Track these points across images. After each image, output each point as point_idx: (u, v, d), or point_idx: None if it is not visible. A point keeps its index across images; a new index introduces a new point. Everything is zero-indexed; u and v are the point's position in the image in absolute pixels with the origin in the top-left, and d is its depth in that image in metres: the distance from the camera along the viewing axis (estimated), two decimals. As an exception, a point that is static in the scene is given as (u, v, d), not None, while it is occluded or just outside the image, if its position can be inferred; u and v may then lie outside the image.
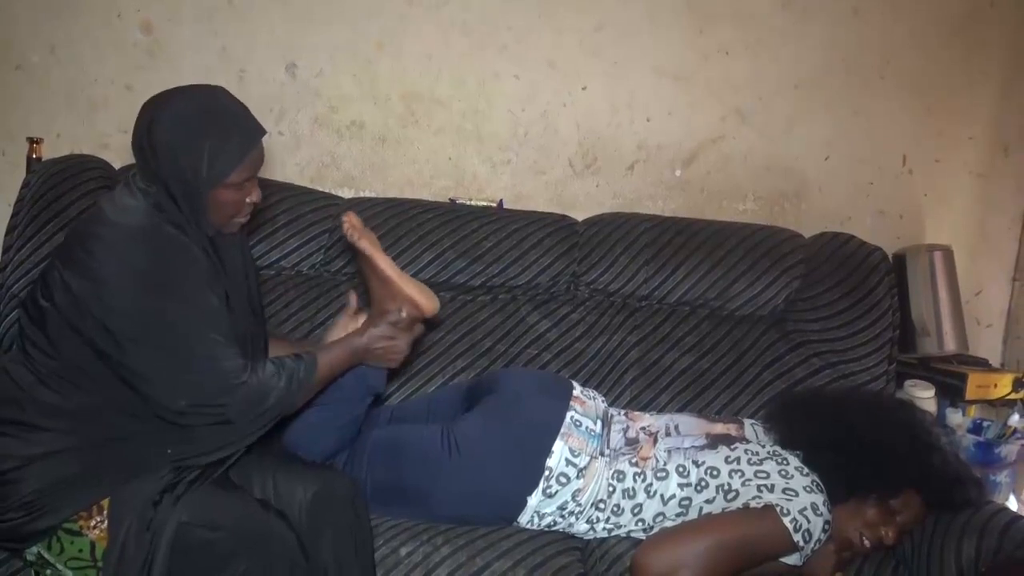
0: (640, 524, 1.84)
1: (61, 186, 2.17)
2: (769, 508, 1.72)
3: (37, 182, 2.20)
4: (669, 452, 1.88)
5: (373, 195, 2.57)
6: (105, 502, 1.57)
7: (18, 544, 1.59)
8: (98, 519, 1.57)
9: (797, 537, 1.69)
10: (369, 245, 1.86)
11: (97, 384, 1.56)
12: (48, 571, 1.60)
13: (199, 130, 1.57)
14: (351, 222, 1.86)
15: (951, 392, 2.53)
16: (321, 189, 2.51)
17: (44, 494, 1.55)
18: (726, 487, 1.79)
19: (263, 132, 1.66)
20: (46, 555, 1.58)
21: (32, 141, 2.41)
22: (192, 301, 1.57)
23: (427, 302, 1.87)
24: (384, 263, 1.85)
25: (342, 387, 1.83)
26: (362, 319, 1.88)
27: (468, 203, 2.55)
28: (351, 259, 2.26)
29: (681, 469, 1.83)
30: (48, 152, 2.41)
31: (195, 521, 1.56)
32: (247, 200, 1.67)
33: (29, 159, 2.40)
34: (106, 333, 1.52)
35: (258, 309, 1.86)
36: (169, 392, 1.55)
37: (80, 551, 1.57)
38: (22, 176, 2.30)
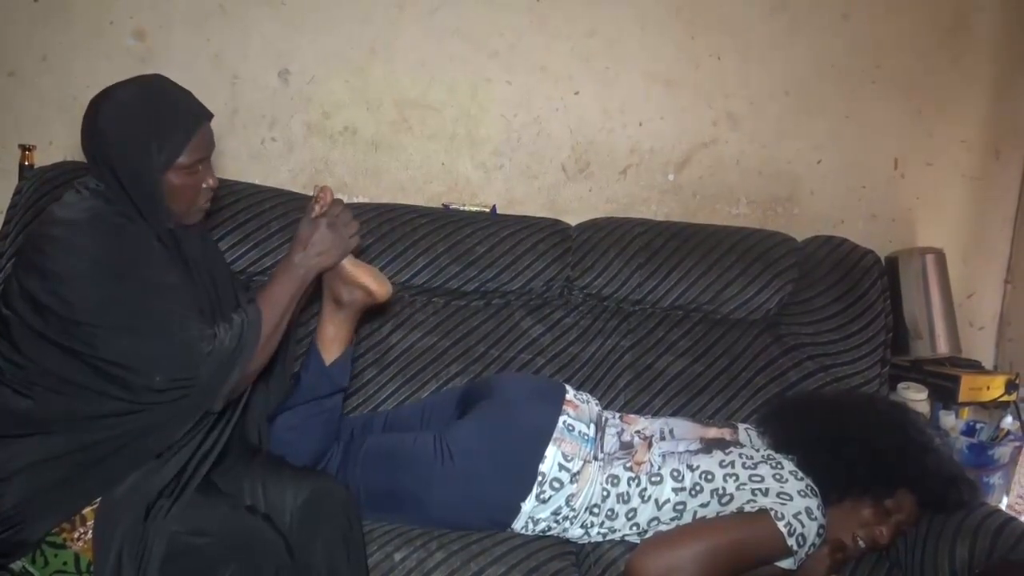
0: (635, 528, 1.84)
1: (54, 193, 2.15)
2: (763, 512, 1.72)
3: (30, 189, 2.19)
4: (664, 456, 1.88)
5: (366, 201, 2.57)
6: (88, 512, 1.56)
7: (1, 559, 1.57)
8: (81, 531, 1.56)
9: (791, 541, 1.69)
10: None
11: (67, 387, 1.55)
12: (34, 585, 1.59)
13: (143, 117, 1.59)
14: (326, 199, 1.79)
15: (944, 394, 2.54)
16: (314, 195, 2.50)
17: (25, 507, 1.53)
18: (720, 491, 1.80)
19: (209, 114, 1.67)
20: (31, 569, 1.56)
21: (24, 148, 2.40)
22: (148, 279, 1.57)
23: (378, 287, 1.85)
24: None
25: (306, 388, 1.85)
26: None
27: (461, 208, 2.55)
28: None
29: (675, 473, 1.83)
30: (41, 159, 2.40)
31: (183, 528, 1.55)
32: (203, 185, 1.67)
33: (22, 166, 2.39)
34: (72, 328, 1.52)
35: (230, 301, 1.82)
36: (144, 371, 1.54)
37: (65, 564, 1.56)
38: (14, 183, 2.29)
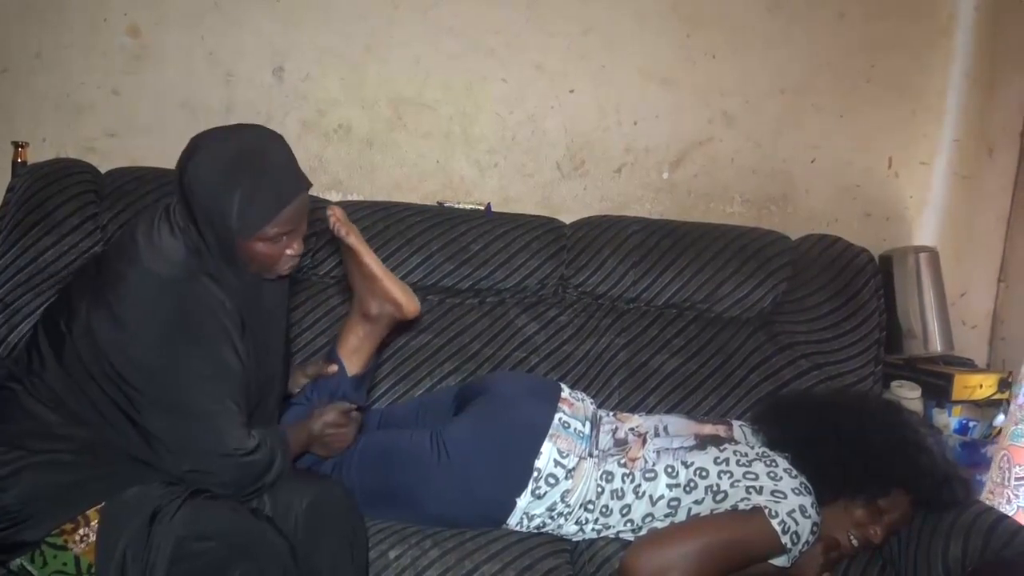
0: (629, 525, 1.84)
1: (47, 190, 2.17)
2: (757, 510, 1.72)
3: (22, 186, 2.19)
4: (658, 453, 1.88)
5: (361, 198, 2.57)
6: (92, 514, 1.55)
7: (1, 556, 1.57)
8: (83, 532, 1.55)
9: (785, 539, 1.69)
10: (356, 240, 1.89)
11: (94, 420, 1.55)
12: (32, 584, 1.58)
13: (232, 177, 1.51)
14: (337, 215, 1.88)
15: (937, 393, 2.54)
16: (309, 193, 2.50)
17: (29, 504, 1.53)
18: (715, 488, 1.80)
19: (305, 187, 1.60)
20: (29, 568, 1.56)
21: (17, 145, 2.40)
22: (211, 360, 1.55)
23: (408, 303, 1.92)
24: (370, 259, 1.90)
25: (322, 387, 1.89)
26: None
27: (456, 206, 2.55)
28: (339, 262, 2.26)
29: (670, 470, 1.84)
30: (34, 156, 2.40)
31: (188, 532, 1.54)
32: (286, 252, 1.61)
33: (14, 163, 2.39)
34: (123, 385, 1.52)
35: (287, 352, 1.86)
36: (175, 456, 1.56)
37: (64, 565, 1.55)
38: (7, 181, 2.29)
